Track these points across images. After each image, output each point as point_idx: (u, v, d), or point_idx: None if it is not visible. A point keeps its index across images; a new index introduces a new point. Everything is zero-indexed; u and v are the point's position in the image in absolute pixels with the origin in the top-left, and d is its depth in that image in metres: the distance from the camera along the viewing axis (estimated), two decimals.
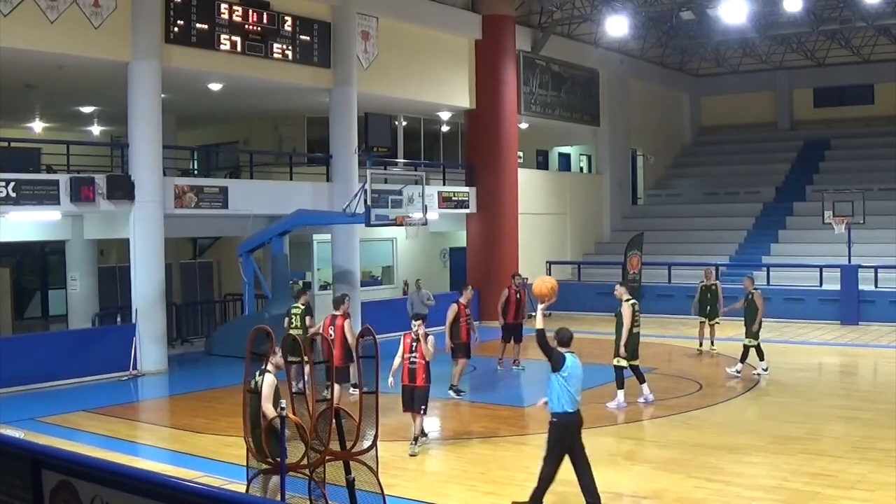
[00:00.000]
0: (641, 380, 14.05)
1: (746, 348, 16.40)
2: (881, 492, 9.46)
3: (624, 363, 13.86)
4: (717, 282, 19.14)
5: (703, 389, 15.33)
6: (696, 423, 12.86)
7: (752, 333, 16.34)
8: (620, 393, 13.86)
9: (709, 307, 18.80)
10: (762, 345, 16.54)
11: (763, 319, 16.67)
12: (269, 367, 8.14)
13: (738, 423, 12.93)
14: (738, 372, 16.28)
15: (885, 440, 11.56)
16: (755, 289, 16.86)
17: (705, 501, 9.30)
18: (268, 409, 7.88)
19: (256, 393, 7.95)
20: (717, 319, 18.85)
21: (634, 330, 13.87)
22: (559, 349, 8.86)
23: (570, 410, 8.69)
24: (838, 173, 31.93)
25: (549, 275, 28.12)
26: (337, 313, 13.69)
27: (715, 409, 13.93)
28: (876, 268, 24.18)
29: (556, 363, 8.68)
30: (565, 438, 8.73)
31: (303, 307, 14.71)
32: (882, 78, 34.91)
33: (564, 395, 8.65)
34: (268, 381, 8.04)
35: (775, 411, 13.83)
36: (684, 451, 11.28)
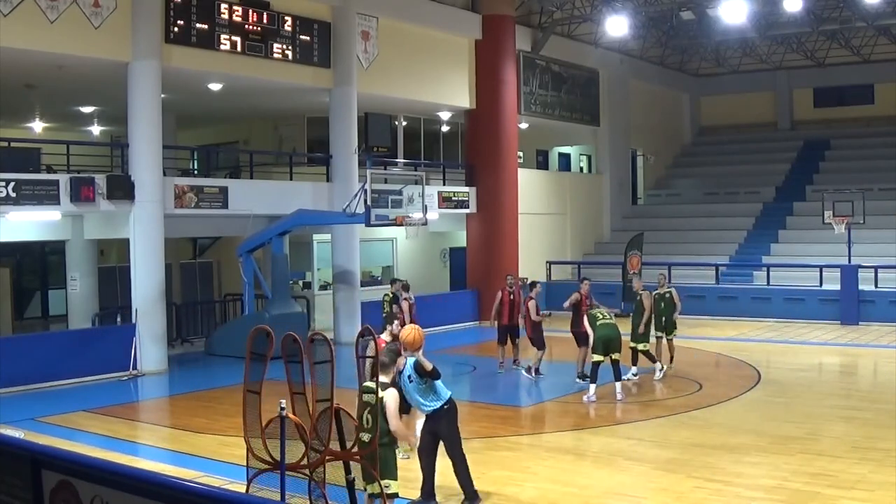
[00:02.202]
0: (593, 379, 14.34)
1: (634, 351, 15.96)
2: (881, 492, 9.46)
3: (597, 358, 14.34)
4: (672, 288, 17.05)
5: (703, 389, 15.34)
6: (696, 423, 12.86)
7: (638, 336, 15.96)
8: (618, 384, 14.28)
9: (664, 318, 16.52)
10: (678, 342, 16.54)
11: (679, 317, 16.86)
12: (385, 379, 7.86)
13: (738, 423, 12.91)
14: (635, 375, 16.00)
15: (885, 440, 11.56)
16: (643, 289, 16.37)
17: (705, 501, 9.30)
18: (396, 425, 7.66)
19: (375, 405, 7.58)
20: (675, 333, 16.81)
21: (597, 323, 14.50)
22: (421, 358, 8.77)
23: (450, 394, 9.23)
24: (838, 173, 31.91)
25: (550, 275, 28.17)
26: (531, 295, 16.57)
27: (715, 409, 13.92)
28: (876, 268, 24.16)
29: (438, 373, 8.92)
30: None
31: (392, 295, 17.19)
32: (882, 78, 34.88)
33: (443, 387, 9.07)
34: (392, 396, 7.75)
35: (775, 411, 13.82)
36: (684, 451, 11.28)
